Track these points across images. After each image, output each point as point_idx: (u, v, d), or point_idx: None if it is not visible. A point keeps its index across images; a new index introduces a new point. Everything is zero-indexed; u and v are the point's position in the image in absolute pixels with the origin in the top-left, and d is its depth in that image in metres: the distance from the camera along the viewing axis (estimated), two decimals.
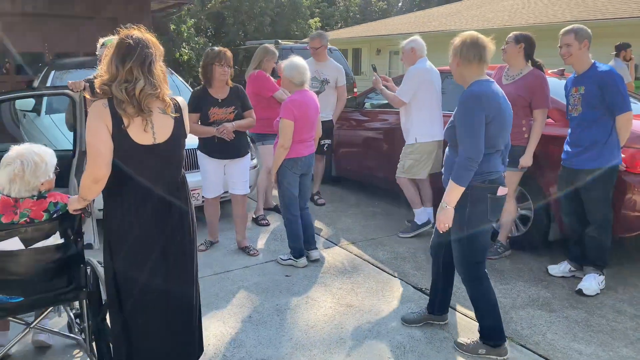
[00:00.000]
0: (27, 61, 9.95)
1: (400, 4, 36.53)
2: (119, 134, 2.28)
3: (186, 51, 18.34)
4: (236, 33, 21.90)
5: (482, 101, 2.78)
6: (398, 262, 4.43)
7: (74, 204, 2.48)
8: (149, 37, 2.35)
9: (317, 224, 5.39)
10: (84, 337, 2.89)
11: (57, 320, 3.31)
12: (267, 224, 5.35)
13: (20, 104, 5.69)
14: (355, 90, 9.94)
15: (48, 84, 6.19)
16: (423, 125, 4.87)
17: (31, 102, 5.70)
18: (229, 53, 4.18)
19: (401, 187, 5.04)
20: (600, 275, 3.87)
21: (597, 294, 3.81)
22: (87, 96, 2.45)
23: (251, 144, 5.56)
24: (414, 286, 3.98)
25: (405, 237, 5.01)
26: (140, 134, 2.32)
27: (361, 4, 33.32)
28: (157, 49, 2.36)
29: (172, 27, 20.26)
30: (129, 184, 2.38)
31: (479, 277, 3.00)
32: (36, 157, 2.50)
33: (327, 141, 5.95)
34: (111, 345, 2.64)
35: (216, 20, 23.25)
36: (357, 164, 6.47)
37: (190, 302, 2.60)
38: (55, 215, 2.53)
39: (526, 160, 4.13)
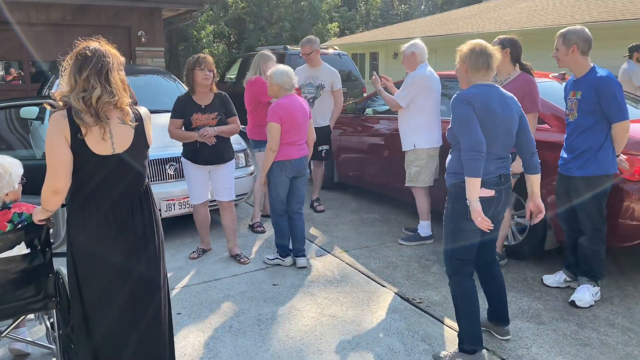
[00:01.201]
0: (47, 70, 10.20)
1: (422, 7, 36.34)
2: (77, 145, 2.28)
3: None
4: (256, 39, 22.05)
5: (468, 99, 2.82)
6: (389, 271, 4.35)
7: (37, 215, 2.49)
8: (108, 48, 2.36)
9: (313, 231, 5.35)
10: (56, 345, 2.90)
11: (40, 328, 3.34)
12: (263, 231, 5.32)
13: (25, 113, 5.77)
14: (364, 95, 9.88)
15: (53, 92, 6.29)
16: (422, 132, 4.82)
17: (35, 110, 5.79)
18: (209, 58, 4.24)
19: (415, 196, 4.98)
20: (594, 286, 3.73)
21: (591, 305, 3.68)
22: (48, 107, 2.46)
23: (248, 151, 5.57)
24: (402, 296, 3.90)
25: (405, 244, 4.93)
26: (98, 144, 2.31)
27: (382, 7, 33.22)
28: (116, 58, 2.36)
29: (194, 33, 20.50)
30: (90, 195, 2.38)
31: (461, 275, 2.99)
32: None
33: (325, 147, 5.90)
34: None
35: (237, 26, 23.46)
36: (359, 170, 6.41)
37: (157, 314, 2.57)
38: (20, 226, 2.54)
39: (517, 166, 4.01)
